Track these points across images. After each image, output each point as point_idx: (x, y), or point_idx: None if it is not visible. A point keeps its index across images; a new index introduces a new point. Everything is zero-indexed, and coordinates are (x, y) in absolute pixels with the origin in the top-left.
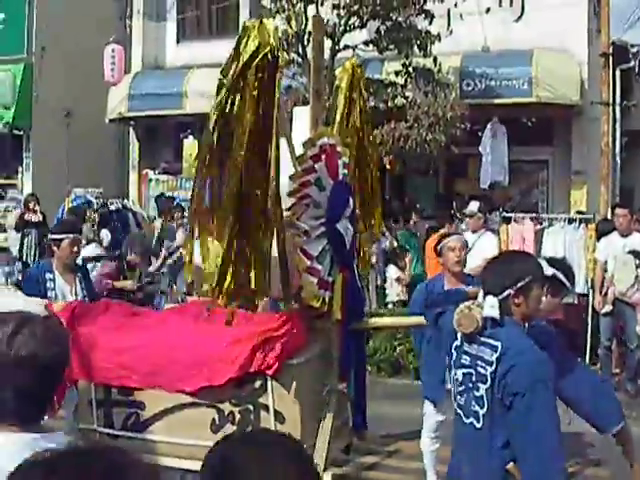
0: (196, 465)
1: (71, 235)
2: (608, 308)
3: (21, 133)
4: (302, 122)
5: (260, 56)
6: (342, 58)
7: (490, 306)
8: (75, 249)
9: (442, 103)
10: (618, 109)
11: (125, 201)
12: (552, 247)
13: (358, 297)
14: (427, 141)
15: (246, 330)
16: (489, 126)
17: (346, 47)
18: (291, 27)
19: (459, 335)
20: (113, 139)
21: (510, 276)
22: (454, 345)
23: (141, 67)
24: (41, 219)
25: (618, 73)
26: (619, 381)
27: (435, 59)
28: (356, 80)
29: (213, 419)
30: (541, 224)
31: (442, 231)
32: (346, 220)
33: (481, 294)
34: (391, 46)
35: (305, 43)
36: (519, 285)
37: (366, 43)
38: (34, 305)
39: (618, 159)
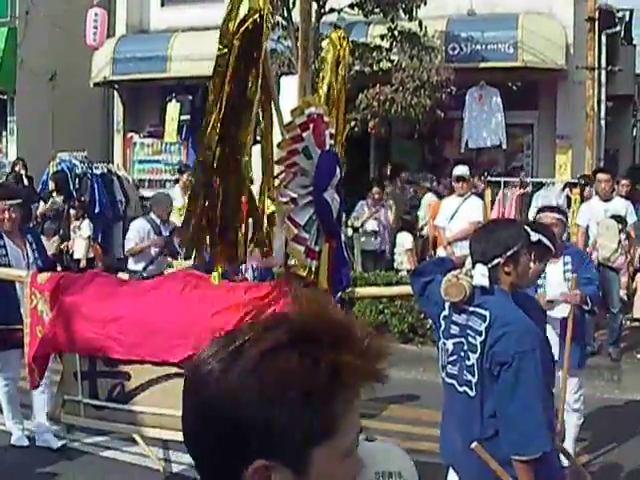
0: (179, 436)
1: (7, 202)
2: None
3: (5, 97)
4: (290, 90)
5: (249, 22)
6: (327, 21)
7: (480, 274)
8: (8, 215)
9: (427, 67)
10: (604, 73)
11: (110, 165)
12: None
13: (344, 267)
14: (412, 105)
15: (234, 298)
16: (471, 90)
17: (332, 10)
18: None
19: (447, 305)
20: (98, 103)
21: (499, 244)
22: (442, 315)
23: (125, 31)
24: (27, 184)
25: (604, 38)
26: (602, 345)
27: (420, 23)
28: (342, 52)
29: None
30: (524, 188)
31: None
32: (332, 189)
33: (469, 263)
34: (376, 9)
35: (290, 6)
36: (509, 253)
37: (351, 6)
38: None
39: (603, 123)
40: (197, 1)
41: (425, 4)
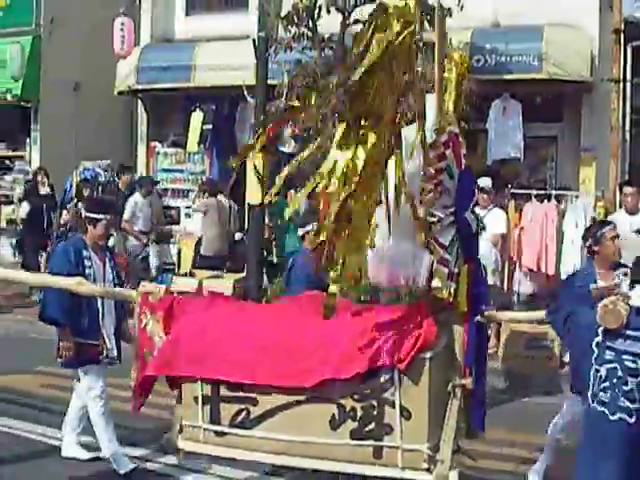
0: (310, 463)
1: (108, 216)
2: None
3: (29, 105)
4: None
5: (402, 36)
6: (352, 32)
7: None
8: (110, 231)
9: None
10: (629, 86)
11: (134, 174)
12: (573, 225)
13: (483, 289)
14: None
15: (368, 321)
16: (496, 102)
17: (357, 22)
18: (301, 1)
19: (600, 331)
20: (122, 112)
21: None
22: (595, 342)
23: (150, 40)
24: (49, 192)
25: (630, 50)
26: None
27: (445, 34)
28: (463, 71)
29: (333, 415)
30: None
31: None
32: (470, 210)
33: (625, 284)
34: None
35: (315, 17)
36: None
37: None
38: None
39: (628, 136)
40: (221, 11)
41: (450, 16)
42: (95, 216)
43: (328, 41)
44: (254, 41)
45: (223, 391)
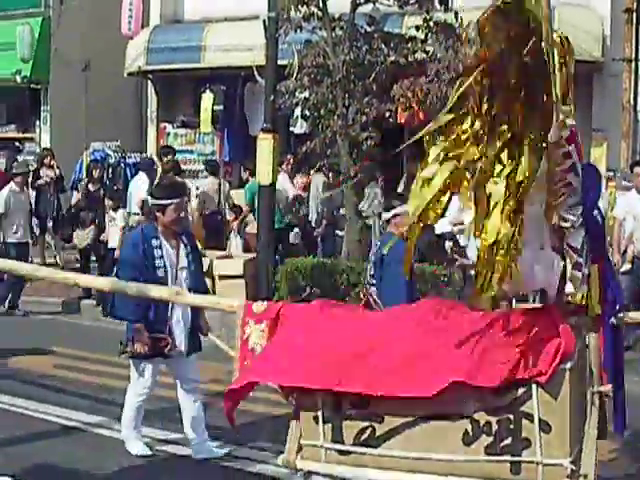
0: None
1: (176, 200)
2: (627, 267)
3: (39, 87)
4: None
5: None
6: (362, 12)
7: None
8: (182, 214)
9: (463, 58)
10: None
11: (143, 154)
12: None
13: (615, 288)
14: (447, 96)
15: (497, 328)
16: None
17: (367, 1)
18: None
19: None
20: (131, 93)
21: None
22: None
23: (159, 21)
24: (57, 174)
25: None
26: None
27: (456, 14)
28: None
29: (465, 430)
30: None
31: None
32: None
33: None
34: (412, 0)
35: None
36: None
37: None
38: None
39: (639, 116)
40: None
41: None
42: (162, 202)
43: (338, 20)
44: (264, 21)
45: (346, 409)
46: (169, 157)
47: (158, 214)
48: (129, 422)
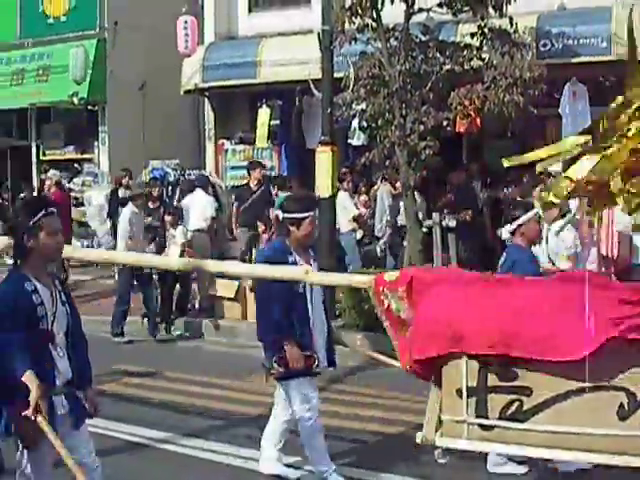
0: (588, 457)
1: (312, 212)
2: None
3: (96, 108)
4: None
5: None
6: (416, 21)
7: None
8: (315, 227)
9: (519, 64)
10: None
11: (203, 172)
12: None
13: None
14: (505, 102)
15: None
16: (568, 86)
17: (420, 10)
18: None
19: None
20: (188, 110)
21: None
22: None
23: (214, 38)
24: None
25: None
26: None
27: (511, 19)
28: None
29: (621, 403)
30: None
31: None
32: None
33: None
34: (465, 7)
35: (379, 7)
36: None
37: (440, 5)
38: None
39: None
40: (284, 6)
41: (515, 0)
42: (297, 215)
43: (393, 31)
44: (318, 34)
45: (493, 381)
46: (256, 171)
47: (292, 228)
48: (271, 443)
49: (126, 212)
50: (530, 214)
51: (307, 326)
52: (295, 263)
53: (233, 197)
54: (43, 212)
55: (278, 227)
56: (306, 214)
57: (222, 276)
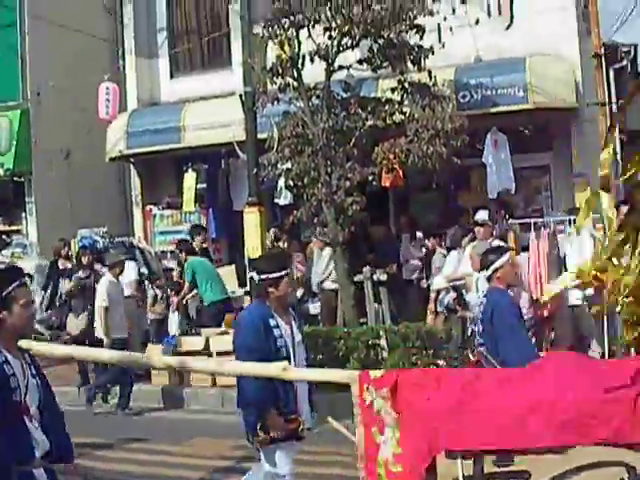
0: None
1: (287, 270)
2: None
3: (22, 179)
4: None
5: None
6: (337, 79)
7: None
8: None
9: (440, 116)
10: (614, 108)
11: (131, 238)
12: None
13: None
14: (428, 155)
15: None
16: (489, 135)
17: (340, 67)
18: (284, 52)
19: None
20: (114, 177)
21: None
22: None
23: (137, 104)
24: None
25: (612, 73)
26: None
27: (430, 73)
28: None
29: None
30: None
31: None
32: None
33: None
34: (385, 63)
35: (299, 67)
36: None
37: (360, 62)
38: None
39: (619, 157)
40: (205, 70)
41: (432, 54)
42: (274, 275)
43: (314, 89)
44: (241, 96)
45: (489, 467)
46: (200, 236)
47: (271, 289)
48: None
49: (104, 282)
50: (504, 258)
51: (291, 390)
52: (277, 326)
53: None
54: (17, 283)
55: (254, 289)
56: (283, 272)
57: None
